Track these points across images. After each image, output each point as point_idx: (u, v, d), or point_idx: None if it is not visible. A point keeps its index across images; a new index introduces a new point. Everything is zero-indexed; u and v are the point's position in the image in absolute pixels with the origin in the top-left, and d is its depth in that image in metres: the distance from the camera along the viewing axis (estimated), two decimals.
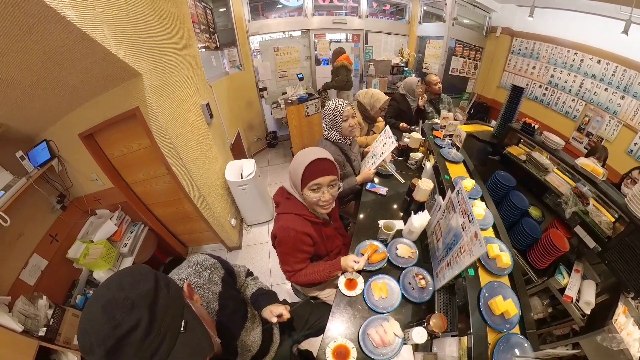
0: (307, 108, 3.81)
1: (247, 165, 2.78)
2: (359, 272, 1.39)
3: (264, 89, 4.07)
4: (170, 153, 1.91)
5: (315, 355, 1.17)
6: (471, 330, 1.06)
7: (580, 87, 3.15)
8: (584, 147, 3.17)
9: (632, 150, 2.76)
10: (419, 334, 1.11)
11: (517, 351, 1.03)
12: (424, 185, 1.71)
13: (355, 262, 1.32)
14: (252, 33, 3.70)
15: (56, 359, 1.63)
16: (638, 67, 2.68)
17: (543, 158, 2.11)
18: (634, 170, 2.40)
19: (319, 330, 1.38)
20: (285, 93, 3.94)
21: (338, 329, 1.22)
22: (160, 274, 0.58)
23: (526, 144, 2.32)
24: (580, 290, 1.73)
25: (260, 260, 2.84)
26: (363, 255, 1.41)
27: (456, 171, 2.00)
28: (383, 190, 1.94)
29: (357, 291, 1.33)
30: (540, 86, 3.56)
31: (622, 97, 2.80)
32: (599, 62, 2.96)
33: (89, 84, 1.56)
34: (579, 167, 1.80)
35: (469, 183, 1.81)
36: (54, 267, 1.88)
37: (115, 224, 2.23)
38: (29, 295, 1.61)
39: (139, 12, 1.55)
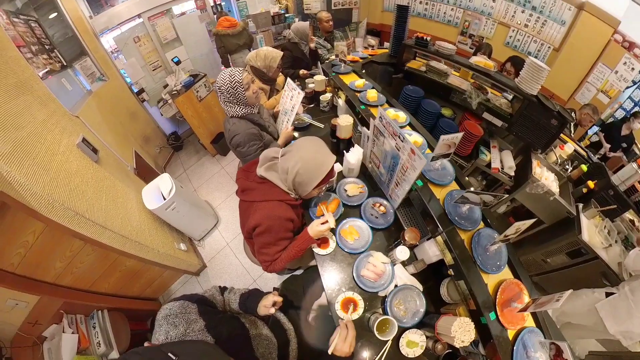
0: (197, 91, 3.53)
1: (163, 183, 2.55)
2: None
3: (142, 90, 3.56)
4: (73, 220, 1.62)
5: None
6: (441, 229, 1.29)
7: None
8: (469, 47, 3.79)
9: (508, 42, 3.50)
10: (402, 252, 1.30)
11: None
12: (344, 121, 1.80)
13: (322, 224, 1.33)
14: (101, 30, 3.04)
15: None
16: None
17: (441, 65, 2.48)
18: (507, 62, 2.93)
19: (320, 289, 1.47)
20: (167, 85, 3.54)
21: (334, 285, 1.34)
22: None
23: (422, 56, 2.65)
24: (501, 160, 2.26)
25: (231, 265, 2.87)
26: (323, 215, 1.43)
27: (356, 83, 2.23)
28: None
29: (332, 245, 1.45)
30: (420, 2, 3.97)
31: (494, 0, 3.41)
32: None
33: None
34: (474, 65, 2.22)
35: (394, 113, 2.01)
36: None
37: (73, 332, 1.87)
38: None
39: None
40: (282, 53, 2.31)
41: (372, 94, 2.11)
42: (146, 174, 3.15)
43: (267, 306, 1.09)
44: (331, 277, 1.38)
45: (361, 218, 1.55)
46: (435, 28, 3.91)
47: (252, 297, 1.16)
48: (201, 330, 0.86)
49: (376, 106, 2.05)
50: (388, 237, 1.54)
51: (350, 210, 1.62)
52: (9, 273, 1.65)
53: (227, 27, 3.53)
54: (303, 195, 1.32)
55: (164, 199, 2.46)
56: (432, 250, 1.34)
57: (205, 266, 2.88)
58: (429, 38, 2.40)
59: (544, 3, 3.08)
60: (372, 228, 1.50)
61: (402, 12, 2.48)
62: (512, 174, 2.21)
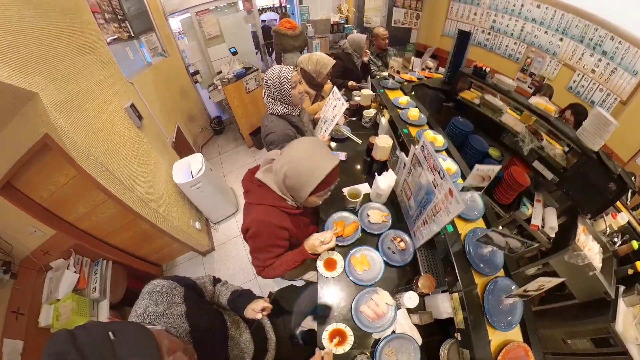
0: (247, 84, 3.65)
1: (195, 161, 2.64)
2: (333, 249, 1.36)
3: (197, 72, 3.79)
4: (102, 175, 1.75)
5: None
6: (460, 287, 1.11)
7: (522, 30, 3.44)
8: (528, 87, 3.54)
9: (571, 87, 3.17)
10: (410, 299, 1.17)
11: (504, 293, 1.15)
12: (382, 142, 1.68)
13: (321, 242, 1.24)
14: (170, 12, 3.31)
15: None
16: (574, 10, 2.96)
17: (496, 100, 2.29)
18: (567, 109, 2.70)
19: (314, 308, 1.39)
20: (220, 72, 3.71)
21: (328, 310, 1.24)
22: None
23: (478, 88, 2.47)
24: (543, 218, 2.01)
25: (238, 255, 2.88)
26: (335, 228, 1.37)
27: (413, 122, 2.03)
28: (342, 156, 1.94)
29: (339, 270, 1.33)
30: (483, 31, 3.79)
31: (561, 39, 3.14)
32: (538, 6, 3.23)
33: None
34: (533, 106, 2.01)
35: (432, 135, 1.88)
36: (33, 344, 1.68)
37: (75, 271, 2.04)
38: None
39: (15, 16, 1.32)
40: (334, 61, 2.29)
41: (414, 113, 2.03)
42: (183, 149, 3.32)
43: (255, 310, 1.05)
44: (328, 302, 1.28)
45: (377, 249, 1.41)
46: (494, 60, 3.71)
47: (243, 297, 1.14)
48: (180, 315, 0.85)
49: (416, 126, 1.98)
50: (400, 276, 1.38)
51: (368, 237, 1.49)
52: (36, 203, 1.87)
53: (287, 28, 3.79)
54: (301, 202, 1.20)
55: (192, 176, 2.57)
56: (444, 306, 1.19)
57: (214, 249, 2.93)
58: (488, 69, 2.27)
59: (616, 48, 2.77)
60: (385, 262, 1.37)
61: (463, 38, 2.38)
62: (553, 235, 1.94)
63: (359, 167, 1.90)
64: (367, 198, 1.65)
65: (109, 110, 1.97)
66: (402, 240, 1.44)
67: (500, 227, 1.39)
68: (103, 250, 2.24)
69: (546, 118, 1.93)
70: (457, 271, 1.15)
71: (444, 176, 1.07)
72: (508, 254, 1.17)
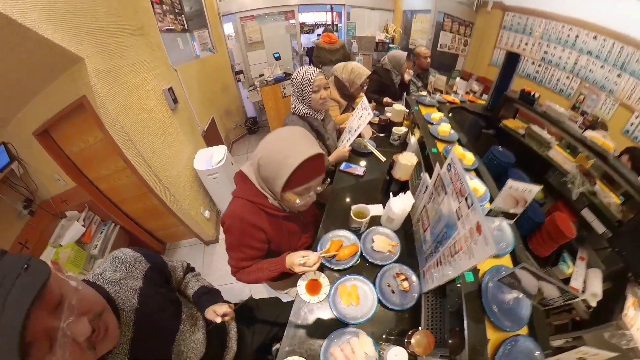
0: (284, 88, 3.76)
1: (218, 152, 2.72)
2: (321, 270, 1.19)
3: (241, 72, 4.02)
4: (125, 144, 1.88)
5: None
6: (467, 356, 0.82)
7: (575, 63, 3.11)
8: (579, 127, 3.17)
9: (628, 131, 2.74)
10: (397, 356, 0.90)
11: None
12: (405, 159, 1.48)
13: (302, 264, 1.05)
14: (225, 12, 3.61)
15: None
16: (636, 43, 2.63)
17: (544, 132, 2.03)
18: (623, 154, 2.38)
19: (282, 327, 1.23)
20: (262, 75, 3.90)
21: (296, 344, 1.01)
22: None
23: (524, 118, 2.24)
24: (585, 281, 1.60)
25: None
26: (327, 249, 1.20)
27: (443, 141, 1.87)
28: (360, 170, 1.77)
29: (321, 296, 1.12)
30: (533, 63, 3.52)
31: (619, 75, 2.77)
32: (595, 38, 2.92)
33: (33, 75, 1.55)
34: (588, 141, 1.73)
35: (461, 151, 1.69)
36: None
37: (83, 225, 2.22)
38: None
39: None
40: (368, 72, 2.27)
41: (444, 128, 1.87)
42: (213, 140, 3.48)
43: (217, 313, 0.97)
44: (298, 331, 1.06)
45: (373, 283, 1.16)
46: (544, 95, 3.42)
47: (210, 295, 1.08)
48: (133, 289, 0.82)
49: (445, 141, 1.85)
50: (394, 322, 1.09)
51: (367, 267, 1.24)
52: (65, 155, 2.08)
53: (326, 42, 3.96)
54: (280, 199, 1.07)
55: (212, 166, 2.64)
56: None
57: (217, 242, 2.96)
58: (537, 95, 2.07)
59: None
60: (380, 302, 1.11)
61: (511, 61, 2.25)
62: (594, 304, 1.54)
63: (376, 185, 1.72)
64: (375, 221, 1.42)
65: (146, 88, 2.14)
66: (406, 278, 1.17)
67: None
68: (113, 214, 2.39)
69: (603, 156, 1.60)
70: (466, 333, 0.86)
71: (472, 204, 0.80)
72: (538, 306, 0.92)
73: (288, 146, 0.96)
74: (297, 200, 1.03)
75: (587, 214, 1.65)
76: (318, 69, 1.61)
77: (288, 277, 1.14)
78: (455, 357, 0.89)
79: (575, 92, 3.14)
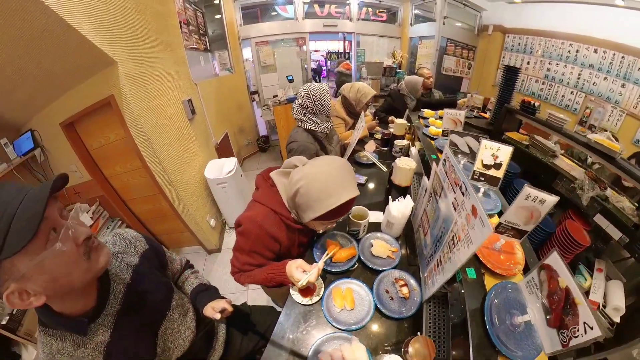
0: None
1: (229, 163, 2.85)
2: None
3: (256, 92, 4.30)
4: (143, 144, 2.03)
5: None
6: None
7: (579, 78, 3.21)
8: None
9: (638, 140, 2.79)
10: None
11: None
12: (404, 163, 1.48)
13: (303, 272, 1.03)
14: (244, 37, 3.99)
15: (17, 351, 1.70)
16: (636, 52, 2.73)
17: (548, 142, 2.05)
18: (632, 159, 2.39)
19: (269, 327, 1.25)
20: (276, 96, 4.15)
21: (282, 347, 0.98)
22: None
23: (527, 129, 2.28)
24: (606, 294, 1.51)
25: None
26: (326, 254, 1.17)
27: None
28: (361, 179, 1.88)
29: (315, 298, 1.09)
30: (536, 81, 3.64)
31: (623, 85, 2.85)
32: (595, 51, 3.04)
33: (69, 71, 1.73)
34: (592, 143, 1.70)
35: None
36: None
37: (91, 218, 2.33)
38: None
39: (118, 4, 1.74)
40: (374, 92, 2.43)
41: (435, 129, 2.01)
42: (224, 154, 3.64)
43: (215, 309, 0.96)
44: (286, 334, 1.02)
45: (371, 289, 1.10)
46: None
47: (208, 292, 1.08)
48: (129, 264, 0.84)
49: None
50: (392, 331, 1.01)
51: (364, 272, 1.21)
52: (85, 148, 2.25)
53: (345, 68, 4.38)
54: (304, 222, 1.08)
55: (222, 176, 2.76)
56: None
57: (220, 251, 2.99)
58: (538, 104, 2.13)
59: None
60: (376, 308, 1.05)
61: (511, 74, 2.32)
62: (617, 320, 1.43)
63: (377, 193, 1.81)
64: (375, 226, 1.44)
65: (169, 97, 2.35)
66: (406, 284, 1.12)
67: None
68: (122, 211, 2.51)
69: (610, 157, 1.55)
70: (471, 344, 0.80)
71: (466, 190, 0.78)
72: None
73: (332, 186, 0.97)
74: (320, 229, 1.12)
75: (600, 220, 1.57)
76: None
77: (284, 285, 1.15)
78: None
79: (581, 106, 3.17)
